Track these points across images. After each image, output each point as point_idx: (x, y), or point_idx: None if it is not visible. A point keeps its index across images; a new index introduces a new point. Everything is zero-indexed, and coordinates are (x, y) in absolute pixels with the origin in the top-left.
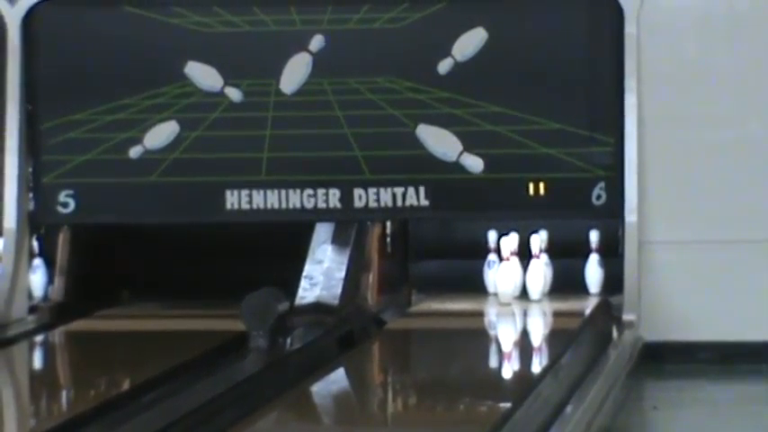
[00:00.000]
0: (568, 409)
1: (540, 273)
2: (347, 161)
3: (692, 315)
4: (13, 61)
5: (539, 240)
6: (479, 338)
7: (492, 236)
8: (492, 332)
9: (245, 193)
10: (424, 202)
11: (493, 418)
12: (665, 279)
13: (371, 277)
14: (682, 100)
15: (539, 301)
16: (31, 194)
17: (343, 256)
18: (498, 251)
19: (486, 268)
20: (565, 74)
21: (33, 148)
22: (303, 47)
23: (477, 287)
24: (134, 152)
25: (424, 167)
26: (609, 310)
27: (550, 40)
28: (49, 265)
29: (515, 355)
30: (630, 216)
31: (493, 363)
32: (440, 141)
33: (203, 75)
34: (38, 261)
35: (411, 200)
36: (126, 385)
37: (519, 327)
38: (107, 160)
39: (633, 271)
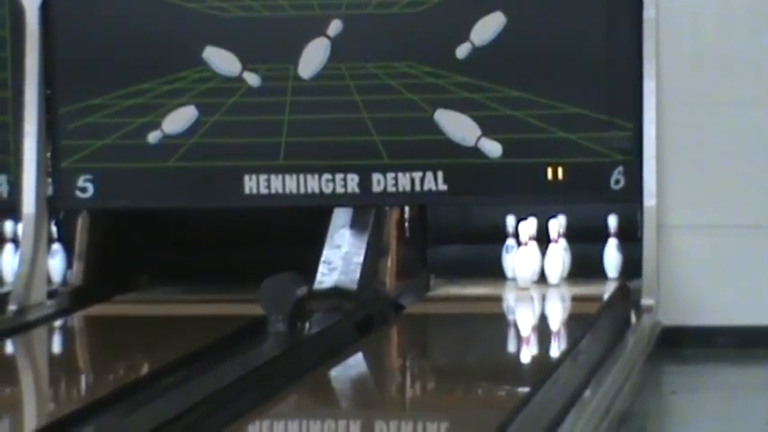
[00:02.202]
0: (587, 393)
1: (559, 257)
2: (365, 146)
3: (710, 300)
4: (31, 46)
5: (557, 225)
6: (497, 323)
7: (510, 220)
8: (510, 317)
9: (263, 177)
10: (443, 187)
11: (511, 402)
12: (683, 264)
13: (390, 262)
14: (701, 84)
15: (557, 285)
16: (49, 179)
17: (361, 240)
18: (517, 236)
19: (504, 253)
20: (583, 58)
21: (52, 133)
22: (321, 32)
23: (495, 272)
24: (152, 137)
25: (442, 152)
26: (627, 295)
27: (569, 24)
28: (68, 249)
29: (533, 340)
30: (649, 200)
31: (511, 347)
32: (458, 126)
33: (222, 60)
34: (56, 246)
35: (429, 185)
36: (144, 370)
37: (537, 311)
38: (126, 145)
39: (652, 255)
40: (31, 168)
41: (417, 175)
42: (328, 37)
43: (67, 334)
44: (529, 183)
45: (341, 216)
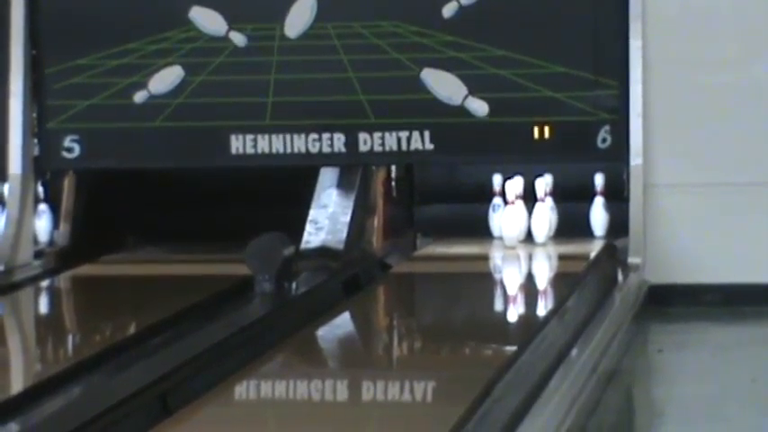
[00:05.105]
0: (574, 352)
1: (545, 216)
2: (352, 105)
3: (696, 258)
4: (17, 6)
5: (544, 184)
6: (484, 282)
7: (497, 179)
8: (497, 276)
9: (249, 137)
10: (429, 146)
11: (498, 360)
12: (670, 222)
13: (376, 221)
14: (687, 43)
15: (544, 244)
16: (35, 140)
17: (348, 200)
18: (503, 195)
19: (491, 212)
20: (570, 17)
21: (38, 93)
22: None
23: (482, 231)
24: (139, 97)
25: (428, 111)
26: (614, 254)
27: None
28: (55, 210)
29: (520, 299)
30: (635, 159)
31: (498, 306)
32: (445, 85)
33: (208, 19)
34: (43, 206)
35: (416, 144)
36: (131, 330)
37: (524, 270)
38: (112, 105)
39: (638, 214)
40: (17, 129)
41: (404, 134)
42: None
43: (54, 294)
44: (515, 142)
45: (327, 176)
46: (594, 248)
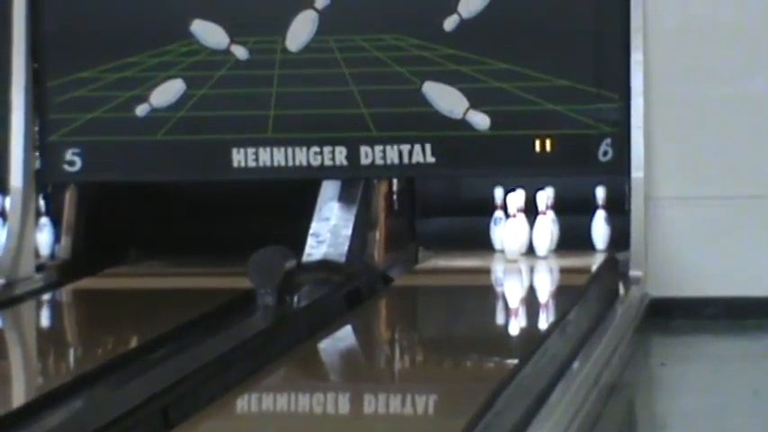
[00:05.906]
0: (575, 365)
1: (547, 229)
2: (353, 119)
3: (698, 271)
4: (19, 19)
5: (545, 197)
6: (486, 295)
7: (498, 192)
8: (499, 289)
9: (251, 150)
10: (431, 160)
11: (500, 374)
12: (671, 235)
13: (378, 234)
14: (688, 56)
15: (545, 257)
16: (37, 153)
17: (349, 213)
18: (505, 208)
19: (492, 225)
20: (571, 30)
21: (39, 107)
22: (309, 4)
23: (483, 244)
24: (140, 110)
25: (430, 124)
26: (615, 267)
27: None
28: (56, 223)
29: (522, 312)
30: (637, 172)
31: (500, 319)
32: (446, 98)
33: (209, 33)
34: (44, 219)
35: (417, 157)
36: (133, 343)
37: (525, 283)
38: (114, 118)
39: (640, 227)
40: (18, 142)
41: (405, 147)
42: (316, 9)
43: (56, 307)
44: (517, 155)
45: (329, 189)
46: (596, 261)
